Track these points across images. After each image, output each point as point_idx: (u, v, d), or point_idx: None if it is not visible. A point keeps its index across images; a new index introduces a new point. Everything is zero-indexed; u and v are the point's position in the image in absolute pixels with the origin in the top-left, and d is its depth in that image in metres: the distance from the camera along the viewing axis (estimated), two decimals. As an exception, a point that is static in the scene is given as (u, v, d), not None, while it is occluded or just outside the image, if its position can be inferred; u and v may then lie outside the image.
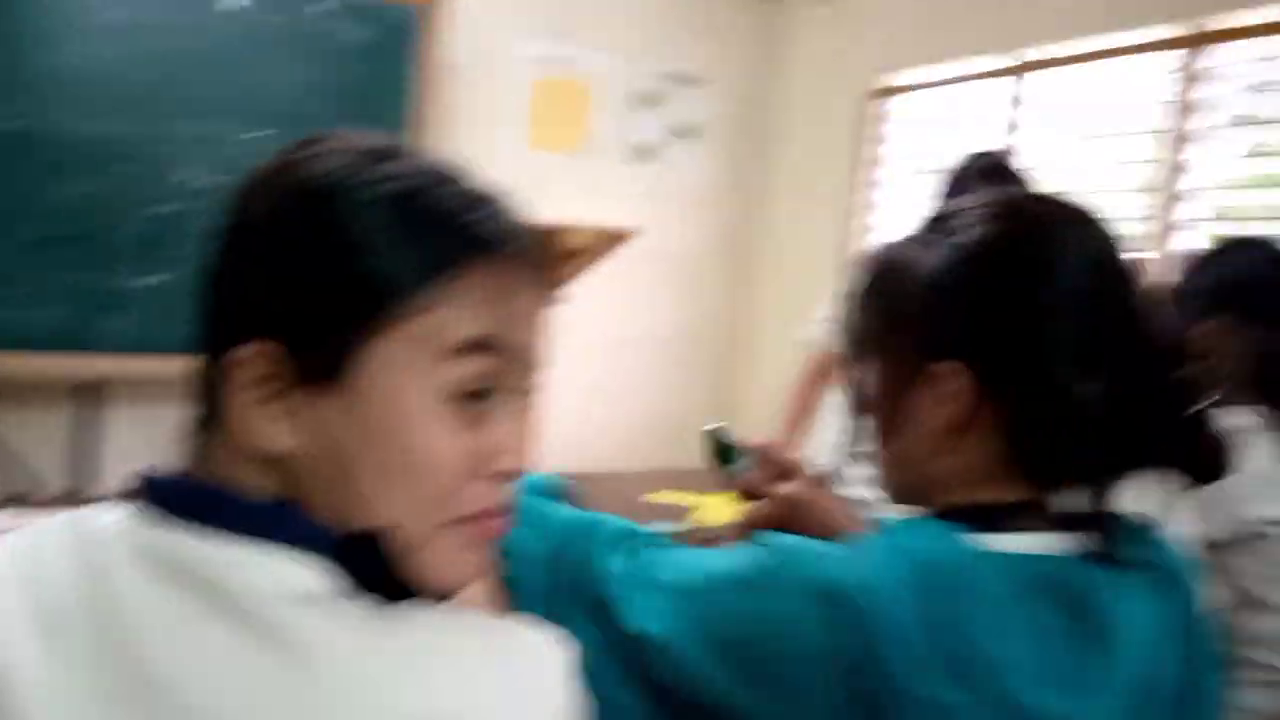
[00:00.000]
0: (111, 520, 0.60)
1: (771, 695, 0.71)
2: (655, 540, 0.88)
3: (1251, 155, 2.90)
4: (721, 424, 1.19)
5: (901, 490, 0.87)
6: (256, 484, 0.59)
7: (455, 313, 0.59)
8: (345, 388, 0.58)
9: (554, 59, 4.01)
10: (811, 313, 2.80)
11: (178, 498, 0.58)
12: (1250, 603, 1.54)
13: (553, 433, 3.94)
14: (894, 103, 3.99)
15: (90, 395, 3.14)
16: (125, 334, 3.00)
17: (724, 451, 1.18)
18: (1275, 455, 1.49)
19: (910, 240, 0.84)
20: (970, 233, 0.79)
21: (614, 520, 0.91)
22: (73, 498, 2.94)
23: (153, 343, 3.00)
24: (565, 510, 0.92)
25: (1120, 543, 0.77)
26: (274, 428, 0.58)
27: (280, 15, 3.21)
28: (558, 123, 4.05)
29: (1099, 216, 0.81)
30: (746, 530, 1.05)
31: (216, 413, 0.61)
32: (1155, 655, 0.75)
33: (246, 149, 3.13)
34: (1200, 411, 0.76)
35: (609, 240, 2.74)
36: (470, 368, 0.59)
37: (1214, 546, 1.55)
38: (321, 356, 0.58)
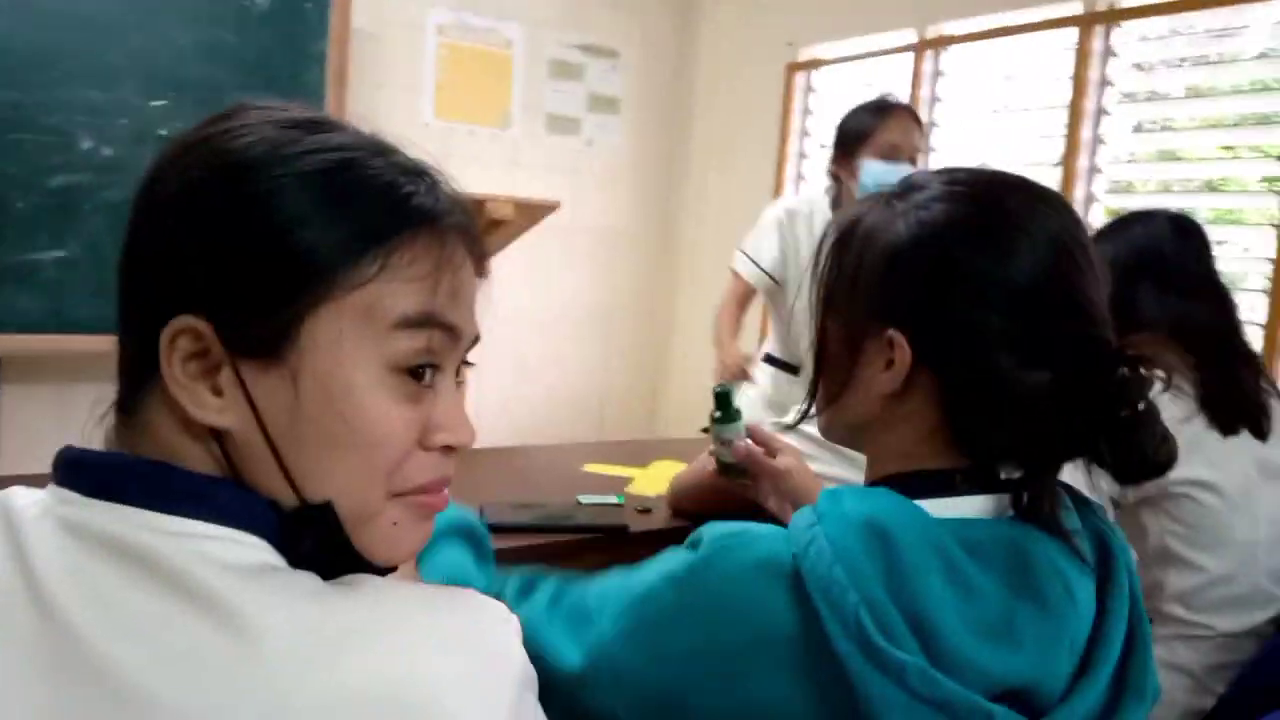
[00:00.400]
0: (33, 500, 0.57)
1: (724, 688, 0.71)
2: (558, 576, 0.88)
3: (1139, 131, 3.03)
4: (730, 385, 1.27)
5: (842, 438, 0.89)
6: (196, 460, 0.58)
7: (394, 287, 0.58)
8: (286, 363, 0.57)
9: (467, 28, 3.95)
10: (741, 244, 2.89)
11: (110, 475, 0.56)
12: (1169, 559, 1.58)
13: (479, 409, 3.95)
14: (813, 76, 4.05)
15: (-10, 375, 3.02)
16: (26, 312, 2.88)
17: (730, 409, 1.29)
18: (1192, 415, 1.55)
19: (886, 204, 0.84)
20: (936, 208, 0.80)
21: (515, 573, 0.92)
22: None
23: (54, 320, 2.89)
24: (469, 567, 0.92)
25: (1059, 509, 0.79)
26: (214, 403, 0.57)
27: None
28: (473, 92, 4.00)
29: (1062, 202, 0.82)
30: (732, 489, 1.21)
31: (141, 391, 0.59)
32: (1098, 618, 0.78)
33: (150, 118, 3.02)
34: (1140, 413, 0.76)
35: (530, 213, 2.73)
36: (411, 343, 0.59)
37: (1134, 504, 1.62)
38: (259, 333, 0.56)
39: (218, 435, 0.58)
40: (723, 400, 1.29)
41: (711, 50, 4.48)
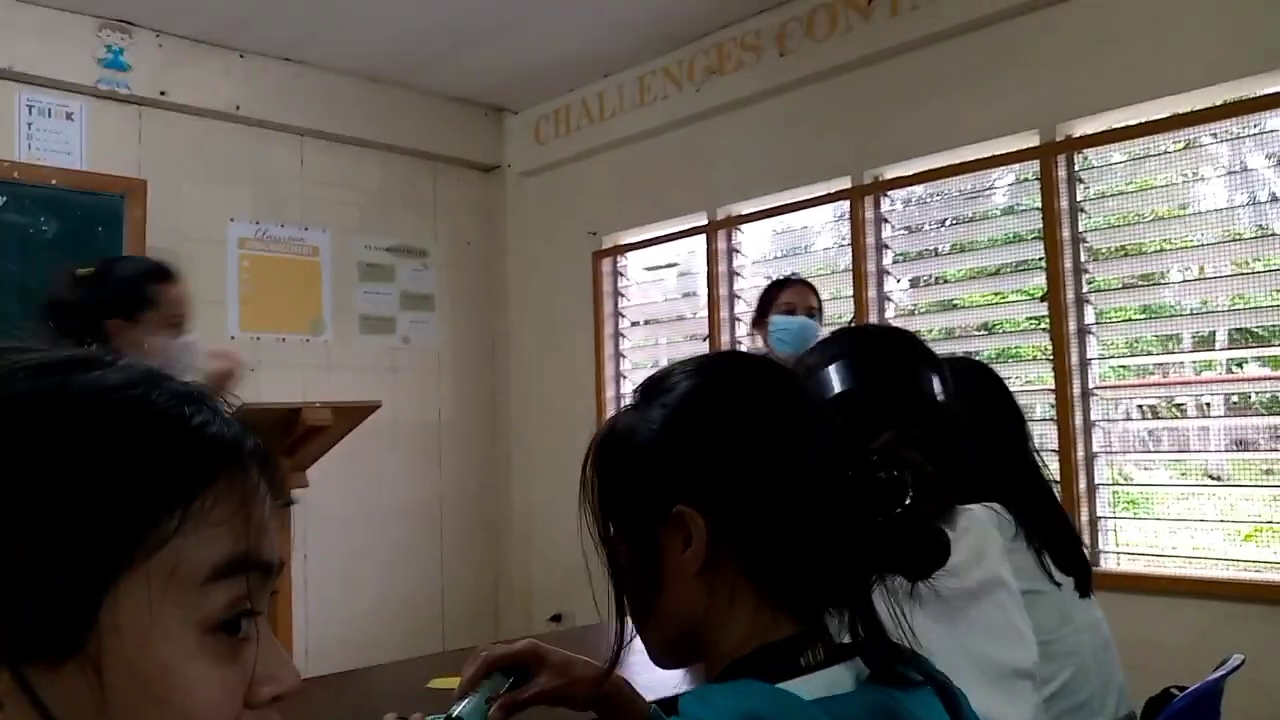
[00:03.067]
0: None
1: None
2: None
3: (917, 286, 3.33)
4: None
5: (676, 650, 0.87)
6: None
7: (198, 537, 0.51)
8: (84, 653, 0.48)
9: (270, 239, 3.94)
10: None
11: None
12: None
13: (306, 631, 3.68)
14: (619, 260, 4.25)
15: None
16: None
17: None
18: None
19: (631, 410, 0.89)
20: (680, 387, 0.85)
21: None
22: None
23: None
24: None
25: (900, 663, 0.80)
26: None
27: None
28: (280, 300, 3.95)
29: (766, 360, 0.90)
30: (492, 667, 1.06)
31: None
32: None
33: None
34: (910, 507, 0.81)
35: (350, 415, 2.67)
36: (227, 594, 0.52)
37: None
38: (46, 628, 0.47)
39: None
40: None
41: (518, 243, 4.64)
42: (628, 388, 4.19)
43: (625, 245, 4.22)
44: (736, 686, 0.76)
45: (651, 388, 0.88)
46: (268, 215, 3.94)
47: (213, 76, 3.76)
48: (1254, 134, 2.64)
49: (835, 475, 0.81)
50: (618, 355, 4.23)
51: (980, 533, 1.26)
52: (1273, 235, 2.58)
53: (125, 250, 3.29)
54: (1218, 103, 2.61)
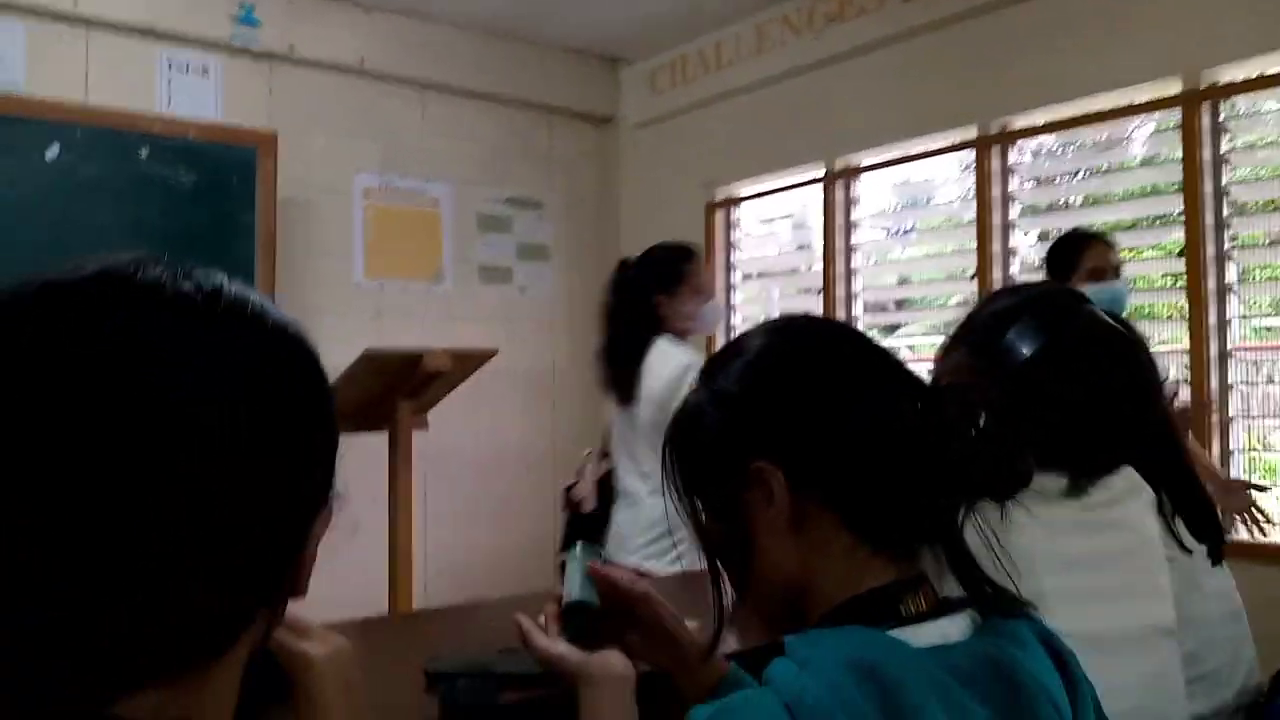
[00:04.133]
0: None
1: None
2: None
3: (1045, 239, 3.20)
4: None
5: (781, 616, 0.85)
6: None
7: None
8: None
9: (394, 190, 4.05)
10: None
11: None
12: None
13: (430, 565, 3.84)
14: (733, 212, 4.21)
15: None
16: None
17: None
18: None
19: (696, 390, 0.89)
20: (732, 365, 0.87)
21: None
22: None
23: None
24: None
25: (1002, 607, 0.79)
26: None
27: (112, 162, 3.15)
28: (403, 250, 4.07)
29: (826, 319, 0.89)
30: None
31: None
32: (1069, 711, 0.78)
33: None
34: (983, 431, 0.80)
35: (467, 362, 2.75)
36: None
37: None
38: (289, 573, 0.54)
39: None
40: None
41: (631, 195, 4.65)
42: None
43: (740, 197, 4.18)
44: (845, 631, 0.75)
45: (710, 368, 0.90)
46: (391, 167, 4.05)
47: (339, 31, 3.86)
48: None
49: (903, 410, 0.80)
50: (728, 308, 4.21)
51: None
52: None
53: (258, 200, 3.44)
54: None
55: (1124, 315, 2.12)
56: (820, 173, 3.77)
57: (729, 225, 4.24)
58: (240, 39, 3.62)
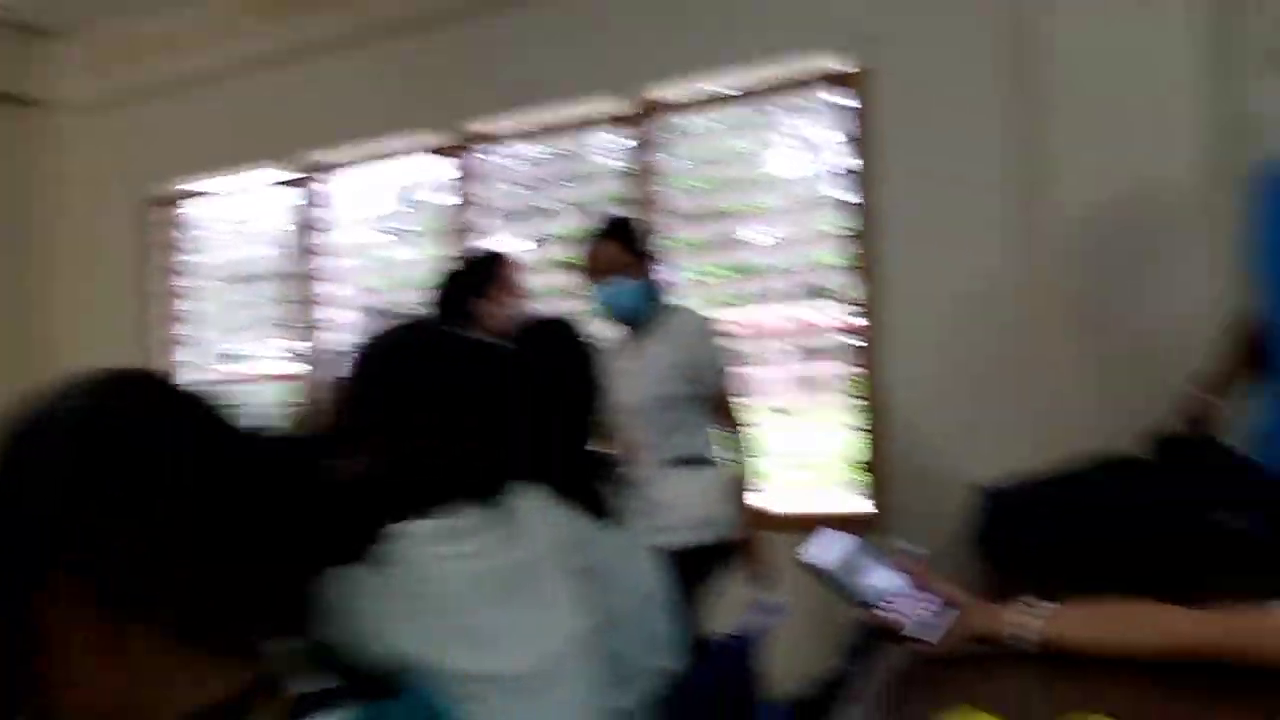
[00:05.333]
0: None
1: None
2: None
3: (539, 242, 3.28)
4: None
5: None
6: None
7: None
8: None
9: None
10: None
11: None
12: None
13: None
14: (183, 209, 3.78)
15: None
16: None
17: None
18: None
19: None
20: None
21: None
22: None
23: None
24: None
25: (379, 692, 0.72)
26: None
27: None
28: None
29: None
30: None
31: None
32: None
33: None
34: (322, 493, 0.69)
35: None
36: None
37: None
38: None
39: None
40: None
41: (55, 189, 3.97)
42: (192, 354, 3.79)
43: (190, 193, 3.78)
44: None
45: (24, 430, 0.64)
46: None
47: None
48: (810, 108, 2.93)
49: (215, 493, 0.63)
50: (174, 316, 3.78)
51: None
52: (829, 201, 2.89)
53: None
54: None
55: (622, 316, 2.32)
56: (286, 171, 3.54)
57: (175, 224, 3.80)
58: None
